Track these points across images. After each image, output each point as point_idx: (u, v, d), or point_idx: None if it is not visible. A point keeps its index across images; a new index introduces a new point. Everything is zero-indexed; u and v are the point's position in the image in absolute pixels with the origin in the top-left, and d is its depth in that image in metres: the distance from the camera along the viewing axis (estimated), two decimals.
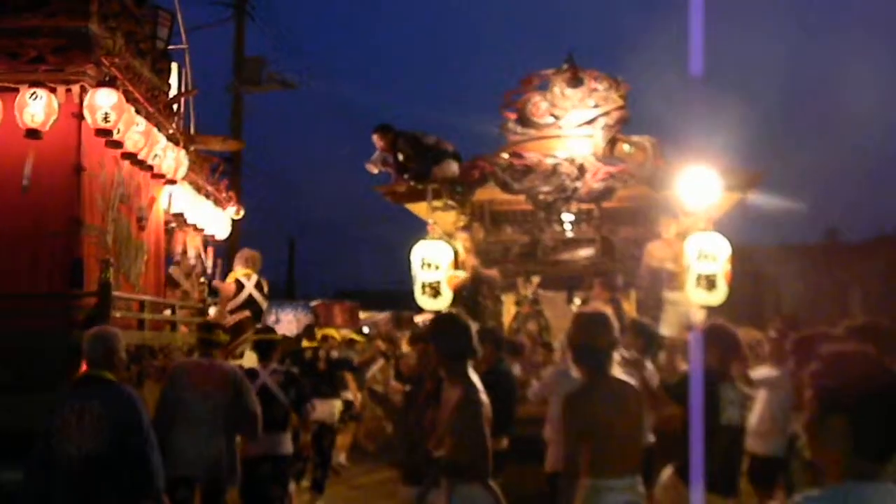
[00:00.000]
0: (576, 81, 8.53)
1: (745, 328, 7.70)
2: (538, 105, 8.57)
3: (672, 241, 8.88)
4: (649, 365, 6.07)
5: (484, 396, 4.01)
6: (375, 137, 8.81)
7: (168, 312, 7.37)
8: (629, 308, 10.05)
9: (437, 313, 6.37)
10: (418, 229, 8.60)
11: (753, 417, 7.42)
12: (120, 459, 4.15)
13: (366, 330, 16.33)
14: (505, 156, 8.40)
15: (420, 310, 9.02)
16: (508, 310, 10.18)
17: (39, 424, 4.25)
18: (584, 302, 10.37)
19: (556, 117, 8.53)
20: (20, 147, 5.66)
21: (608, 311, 4.05)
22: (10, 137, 5.65)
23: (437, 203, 8.49)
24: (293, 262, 31.13)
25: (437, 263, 8.25)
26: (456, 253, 8.90)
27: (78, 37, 5.76)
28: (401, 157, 8.71)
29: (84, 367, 4.50)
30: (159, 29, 7.56)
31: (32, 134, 5.63)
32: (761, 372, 7.22)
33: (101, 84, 5.77)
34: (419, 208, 8.77)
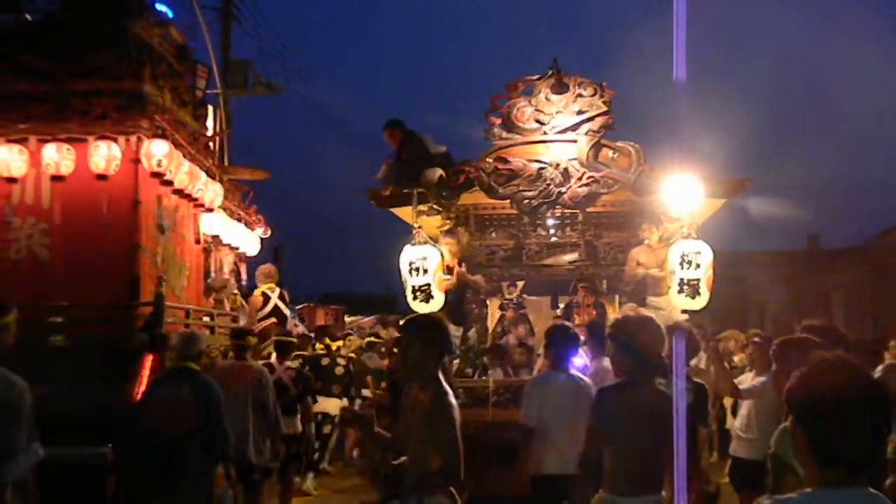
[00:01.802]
0: (561, 87, 8.55)
1: (730, 332, 7.82)
2: (523, 110, 8.59)
3: (655, 247, 8.94)
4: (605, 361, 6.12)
5: (454, 400, 3.90)
6: (385, 134, 9.01)
7: (207, 319, 8.70)
8: (613, 313, 10.10)
9: (414, 315, 6.40)
10: (404, 234, 8.62)
11: (739, 422, 7.50)
12: (203, 429, 5.51)
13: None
14: (490, 160, 8.42)
15: (408, 314, 9.03)
16: (493, 314, 10.22)
17: (114, 406, 5.76)
18: (569, 306, 10.43)
19: (541, 123, 8.55)
20: (91, 187, 7.22)
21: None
22: (83, 179, 7.20)
23: (422, 207, 8.50)
24: (280, 266, 30.97)
25: (425, 267, 8.25)
26: (442, 257, 8.92)
27: (135, 97, 7.27)
28: (404, 156, 8.78)
29: (152, 359, 6.26)
30: (198, 80, 8.96)
31: (101, 177, 7.19)
32: (747, 381, 7.30)
33: (154, 136, 7.31)
34: (404, 213, 8.78)
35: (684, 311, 8.34)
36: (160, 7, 8.54)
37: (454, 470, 3.73)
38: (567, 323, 7.52)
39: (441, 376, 3.91)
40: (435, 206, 8.68)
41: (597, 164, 8.32)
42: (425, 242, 8.48)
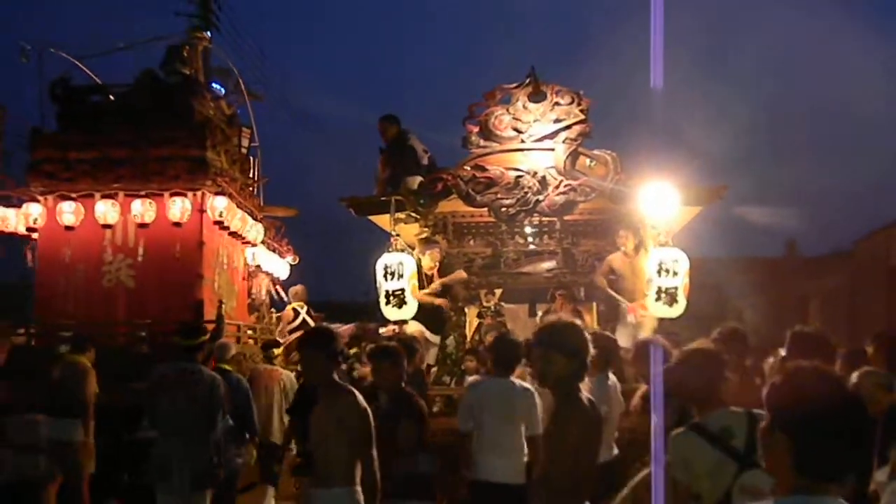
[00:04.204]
0: (538, 95, 8.58)
1: (702, 341, 7.81)
2: (501, 118, 8.60)
3: (631, 255, 8.97)
4: (611, 377, 6.11)
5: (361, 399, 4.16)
6: (379, 127, 9.25)
7: (250, 332, 10.66)
8: (590, 320, 10.12)
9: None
10: (384, 241, 8.62)
11: None
12: (235, 414, 7.07)
13: None
14: (467, 168, 8.42)
15: (384, 322, 9.01)
16: (471, 321, 10.20)
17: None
18: (546, 314, 10.43)
19: (519, 131, 8.56)
20: (168, 232, 9.33)
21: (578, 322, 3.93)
22: (161, 226, 9.30)
23: (400, 215, 8.50)
24: None
25: (401, 272, 8.24)
26: (419, 264, 8.91)
27: (199, 162, 9.30)
28: (394, 158, 8.92)
29: (213, 362, 7.48)
30: (243, 139, 11.25)
31: (175, 224, 9.27)
32: None
33: (216, 193, 9.46)
34: (382, 220, 8.78)
35: (661, 319, 8.38)
36: (214, 85, 11.08)
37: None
38: (508, 331, 7.54)
39: (336, 377, 4.21)
40: (413, 214, 8.68)
41: (574, 173, 8.35)
42: (403, 250, 8.48)
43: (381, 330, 9.65)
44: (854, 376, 4.08)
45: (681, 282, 8.01)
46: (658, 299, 8.04)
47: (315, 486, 4.11)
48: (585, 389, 3.68)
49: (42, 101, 9.99)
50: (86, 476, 7.31)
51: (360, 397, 4.02)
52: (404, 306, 8.26)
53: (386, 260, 8.27)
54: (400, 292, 8.22)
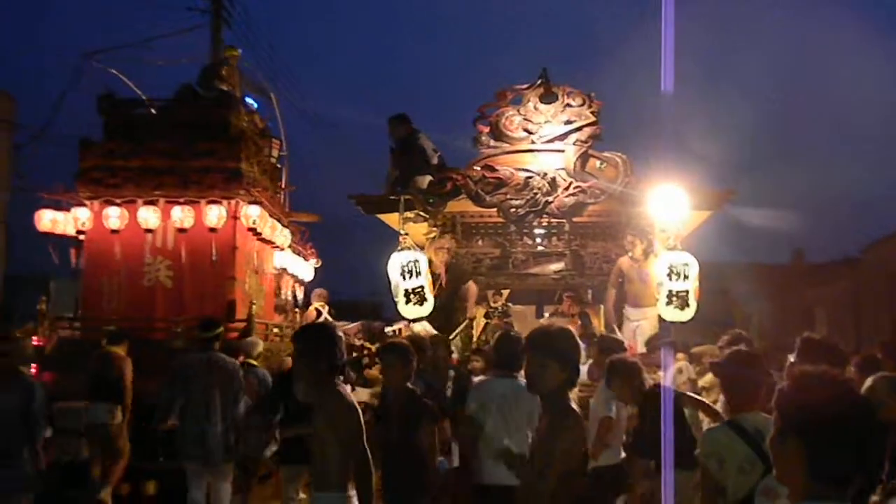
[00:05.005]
0: (549, 97, 8.58)
1: (705, 347, 7.80)
2: (511, 119, 8.61)
3: (639, 259, 8.96)
4: None
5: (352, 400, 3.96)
6: (389, 125, 9.23)
7: (277, 330, 11.05)
8: (598, 323, 10.11)
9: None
10: (388, 240, 8.63)
11: None
12: (260, 405, 7.55)
13: None
14: (477, 168, 8.43)
15: (393, 320, 9.02)
16: (478, 322, 10.20)
17: None
18: (554, 315, 10.44)
19: (529, 132, 8.57)
20: (205, 237, 9.98)
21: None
22: (199, 231, 9.96)
23: (408, 214, 8.50)
24: None
25: (418, 269, 8.19)
26: (430, 263, 8.93)
27: (234, 172, 10.05)
28: (404, 158, 8.91)
29: (242, 357, 8.04)
30: (272, 151, 11.94)
31: (212, 230, 9.93)
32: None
33: (249, 202, 10.19)
34: (391, 219, 8.78)
35: (669, 323, 8.36)
36: (248, 100, 11.78)
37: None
38: (512, 329, 7.50)
39: (325, 379, 3.85)
40: (421, 213, 8.68)
41: (584, 174, 8.35)
42: (411, 248, 8.48)
43: (387, 329, 9.66)
44: (869, 381, 4.07)
45: (691, 285, 7.99)
46: (669, 303, 8.02)
47: (315, 489, 4.04)
48: (573, 396, 3.65)
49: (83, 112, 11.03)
50: (122, 456, 8.13)
51: (346, 394, 3.90)
52: (425, 303, 8.22)
53: (400, 258, 8.23)
54: (420, 289, 8.16)
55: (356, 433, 3.80)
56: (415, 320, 8.48)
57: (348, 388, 4.05)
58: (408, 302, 8.23)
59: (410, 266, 8.17)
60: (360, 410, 3.88)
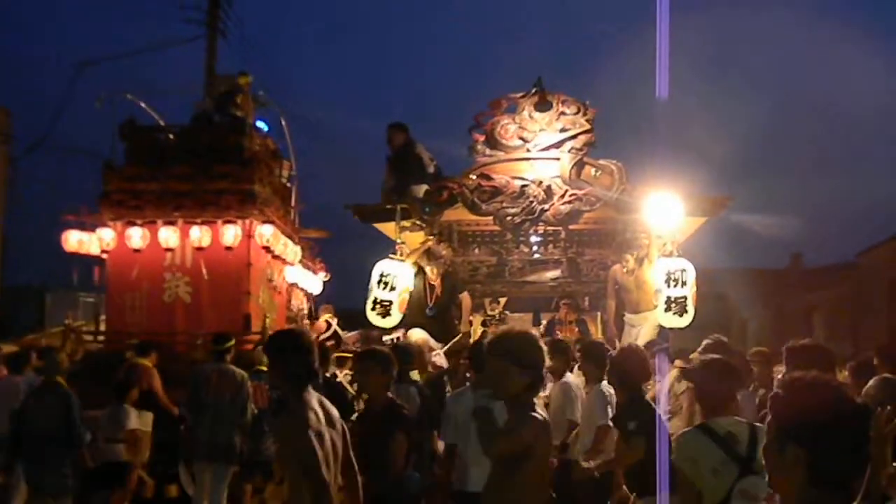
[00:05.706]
0: (544, 105, 8.59)
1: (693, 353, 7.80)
2: (507, 127, 8.62)
3: (634, 268, 8.96)
4: (607, 386, 6.04)
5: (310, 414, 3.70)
6: (388, 134, 9.38)
7: None
8: (595, 330, 10.11)
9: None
10: (384, 249, 8.64)
11: None
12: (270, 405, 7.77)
13: None
14: (473, 177, 8.43)
15: (388, 329, 9.02)
16: (476, 330, 10.20)
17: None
18: (551, 323, 10.44)
19: (525, 140, 8.57)
20: (221, 254, 10.54)
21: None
22: (215, 249, 10.53)
23: (405, 223, 8.51)
24: None
25: (394, 284, 8.27)
26: (425, 273, 8.92)
27: (248, 194, 10.61)
28: (401, 166, 8.96)
29: (257, 366, 8.30)
30: (283, 171, 12.55)
31: (228, 248, 10.49)
32: None
33: (263, 221, 10.72)
34: (388, 228, 8.78)
35: (668, 329, 8.36)
36: (260, 124, 12.32)
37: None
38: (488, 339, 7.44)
39: (297, 391, 3.68)
40: (418, 222, 8.69)
41: (579, 182, 8.35)
42: (407, 257, 8.48)
43: (385, 338, 9.66)
44: (871, 382, 4.09)
45: (689, 292, 7.99)
46: (668, 310, 8.02)
47: None
48: (542, 400, 3.63)
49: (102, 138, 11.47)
50: (140, 460, 8.39)
51: (307, 408, 3.60)
52: (388, 317, 8.34)
53: (383, 267, 8.30)
54: (387, 303, 8.29)
55: (306, 453, 3.48)
56: (409, 328, 8.51)
57: (316, 397, 3.83)
58: (373, 309, 8.38)
59: (388, 279, 8.29)
60: (321, 431, 3.58)
